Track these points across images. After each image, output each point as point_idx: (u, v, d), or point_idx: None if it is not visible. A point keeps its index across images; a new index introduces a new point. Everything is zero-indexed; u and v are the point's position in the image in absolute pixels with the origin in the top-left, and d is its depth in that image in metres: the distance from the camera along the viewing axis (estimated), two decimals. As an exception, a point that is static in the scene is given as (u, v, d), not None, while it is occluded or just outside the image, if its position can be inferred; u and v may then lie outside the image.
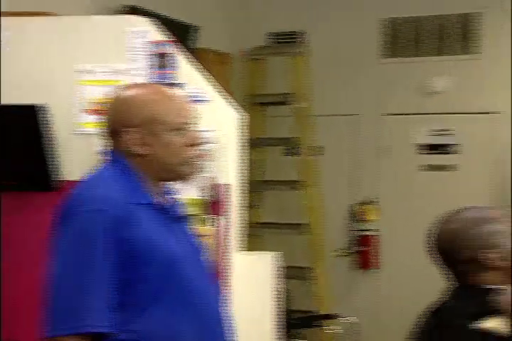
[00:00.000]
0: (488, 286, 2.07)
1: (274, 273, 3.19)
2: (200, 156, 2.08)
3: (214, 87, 2.96)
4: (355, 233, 5.81)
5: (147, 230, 1.90)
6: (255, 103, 5.76)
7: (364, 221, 5.77)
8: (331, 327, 5.18)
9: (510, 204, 5.12)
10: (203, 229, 2.64)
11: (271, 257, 3.21)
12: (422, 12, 5.65)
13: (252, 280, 3.05)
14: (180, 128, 2.01)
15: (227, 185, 2.91)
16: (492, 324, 1.94)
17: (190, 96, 2.57)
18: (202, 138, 2.09)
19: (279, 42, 5.95)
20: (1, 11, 3.20)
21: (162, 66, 2.82)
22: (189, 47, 4.42)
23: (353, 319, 5.31)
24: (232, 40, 5.75)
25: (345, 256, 5.83)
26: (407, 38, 5.72)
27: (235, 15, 5.85)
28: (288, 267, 4.58)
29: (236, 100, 3.14)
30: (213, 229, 2.81)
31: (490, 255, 2.08)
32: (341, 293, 5.74)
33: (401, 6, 5.70)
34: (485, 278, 2.10)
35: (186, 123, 2.03)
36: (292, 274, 5.23)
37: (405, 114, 5.75)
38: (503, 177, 5.42)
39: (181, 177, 2.07)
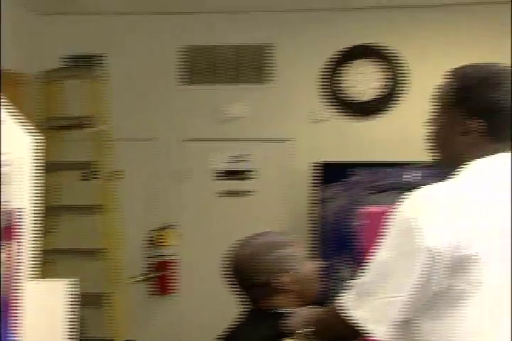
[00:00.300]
0: (281, 309, 2.12)
1: (68, 301, 3.09)
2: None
3: (6, 108, 2.84)
4: (154, 258, 5.76)
5: None
6: (52, 126, 5.59)
7: (163, 246, 5.74)
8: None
9: (303, 229, 5.30)
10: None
11: (65, 284, 3.10)
12: (219, 41, 5.74)
13: (44, 309, 2.93)
14: None
15: (19, 210, 2.78)
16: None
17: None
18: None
19: (75, 65, 5.83)
20: None
21: None
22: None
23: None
24: (29, 62, 5.55)
25: (144, 281, 5.75)
26: (205, 66, 5.78)
27: (32, 36, 5.67)
28: (84, 294, 4.44)
29: (31, 123, 3.03)
30: (3, 256, 2.68)
31: (282, 279, 2.13)
32: (139, 320, 5.66)
33: (199, 35, 5.75)
34: (278, 302, 2.14)
35: None
36: (88, 301, 5.09)
37: (204, 140, 5.79)
38: (296, 203, 5.62)
39: None
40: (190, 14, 5.72)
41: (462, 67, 1.88)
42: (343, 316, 1.76)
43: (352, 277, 1.83)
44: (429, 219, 1.69)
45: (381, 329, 1.72)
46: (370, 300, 1.73)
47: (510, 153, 1.81)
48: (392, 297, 1.71)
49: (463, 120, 1.81)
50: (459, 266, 1.68)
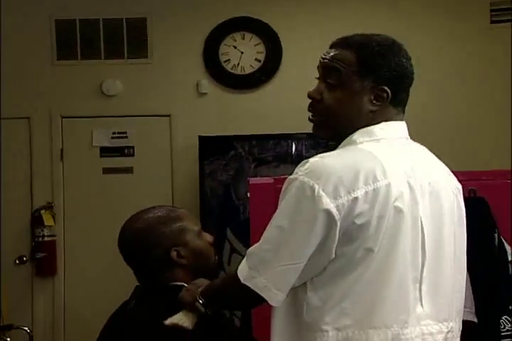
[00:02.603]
0: (176, 283, 2.10)
1: None
2: None
3: None
4: (35, 239, 5.59)
5: None
6: None
7: (44, 226, 5.59)
8: (7, 339, 4.98)
9: (192, 203, 5.29)
10: None
11: None
12: (95, 15, 5.62)
13: None
14: None
15: None
16: (178, 319, 1.96)
17: None
18: None
19: None
20: None
21: None
22: None
23: (28, 328, 5.17)
24: None
25: (25, 263, 5.62)
26: (81, 41, 5.63)
27: None
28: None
29: None
30: None
31: (176, 252, 2.11)
32: (20, 302, 5.53)
33: (74, 8, 5.62)
34: (171, 276, 2.12)
35: None
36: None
37: (82, 117, 5.67)
38: (184, 177, 5.56)
39: None
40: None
41: (355, 37, 1.89)
42: (239, 285, 1.76)
43: (245, 248, 1.83)
44: (327, 187, 1.71)
45: (278, 296, 1.74)
46: (267, 269, 1.73)
47: (398, 122, 1.88)
48: (289, 264, 1.72)
49: (370, 88, 1.84)
50: (352, 233, 1.71)
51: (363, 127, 1.84)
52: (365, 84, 1.84)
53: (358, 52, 1.85)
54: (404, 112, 1.91)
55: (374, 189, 1.72)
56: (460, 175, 1.99)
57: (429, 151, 1.94)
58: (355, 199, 1.70)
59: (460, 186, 1.96)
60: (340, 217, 1.70)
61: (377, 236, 1.72)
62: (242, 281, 1.75)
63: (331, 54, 1.88)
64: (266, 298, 1.74)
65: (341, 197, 1.70)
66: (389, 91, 1.83)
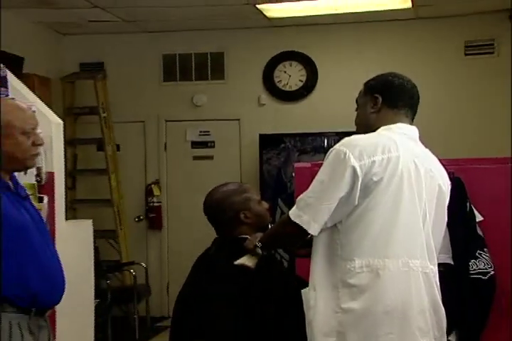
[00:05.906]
0: (241, 236, 2.11)
1: (88, 235, 3.07)
2: (39, 152, 1.99)
3: (37, 101, 2.76)
4: (148, 204, 5.69)
5: (5, 205, 1.78)
6: (69, 113, 5.49)
7: (153, 196, 5.67)
8: (131, 271, 5.08)
9: (254, 180, 5.27)
10: (38, 205, 2.47)
11: (86, 224, 3.09)
12: (188, 51, 5.65)
13: (72, 240, 2.90)
14: (28, 132, 1.88)
15: (51, 173, 2.72)
16: (244, 260, 1.97)
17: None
18: (42, 139, 1.97)
19: (84, 70, 5.70)
20: None
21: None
22: (17, 72, 4.07)
23: (144, 264, 5.28)
24: (52, 68, 5.40)
25: (142, 220, 5.73)
26: (179, 68, 5.68)
27: (53, 48, 5.52)
28: (101, 230, 4.45)
29: (55, 111, 2.96)
30: (43, 204, 2.65)
31: (243, 215, 2.11)
32: (139, 247, 5.63)
33: (175, 46, 5.66)
34: (239, 231, 2.12)
35: (33, 128, 1.90)
36: (104, 235, 5.11)
37: (179, 121, 5.72)
38: (249, 163, 5.54)
39: (27, 168, 1.97)
40: (167, 32, 5.60)
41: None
42: (290, 222, 1.76)
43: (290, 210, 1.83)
44: (354, 152, 1.73)
45: (315, 227, 1.74)
46: (310, 209, 1.74)
47: (404, 124, 1.87)
48: (325, 204, 1.73)
49: (370, 98, 1.89)
50: (370, 187, 1.72)
51: (380, 124, 1.85)
52: (367, 98, 1.89)
53: (364, 85, 1.94)
54: (407, 117, 1.89)
55: (388, 157, 1.74)
56: (444, 162, 1.96)
57: (430, 152, 1.93)
58: (374, 162, 1.72)
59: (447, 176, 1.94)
60: (362, 174, 1.71)
61: (387, 190, 1.73)
62: (293, 219, 1.77)
63: None
64: (306, 228, 1.75)
65: (364, 159, 1.72)
66: (379, 97, 1.86)
